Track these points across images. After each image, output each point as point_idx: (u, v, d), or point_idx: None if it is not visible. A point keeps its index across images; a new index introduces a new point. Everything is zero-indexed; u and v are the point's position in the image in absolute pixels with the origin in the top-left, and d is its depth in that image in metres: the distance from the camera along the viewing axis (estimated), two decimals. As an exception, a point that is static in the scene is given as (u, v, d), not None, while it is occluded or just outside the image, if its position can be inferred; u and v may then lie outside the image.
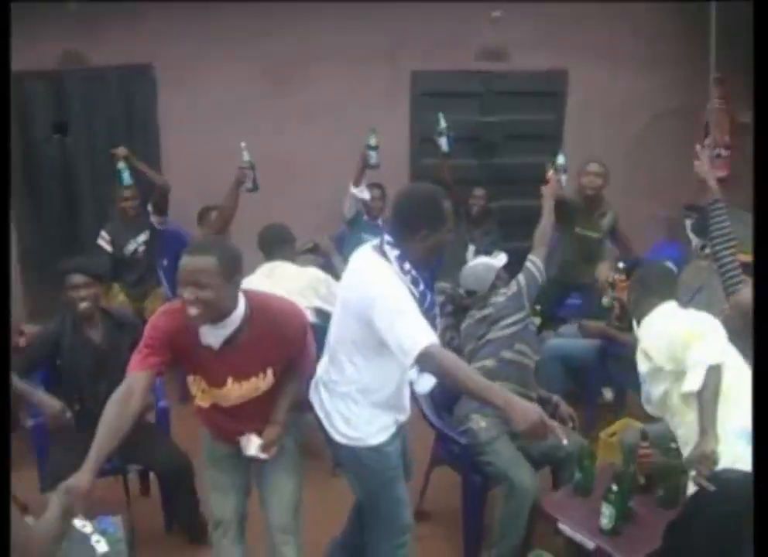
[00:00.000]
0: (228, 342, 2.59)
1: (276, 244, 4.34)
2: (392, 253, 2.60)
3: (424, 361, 2.37)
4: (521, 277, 3.74)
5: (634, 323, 3.15)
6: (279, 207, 5.41)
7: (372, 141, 5.45)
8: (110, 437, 2.40)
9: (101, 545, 2.90)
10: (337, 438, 2.78)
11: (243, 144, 4.80)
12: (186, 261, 2.44)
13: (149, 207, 5.40)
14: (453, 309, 5.36)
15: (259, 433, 2.80)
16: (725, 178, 6.12)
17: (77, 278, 3.55)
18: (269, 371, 2.71)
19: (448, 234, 2.70)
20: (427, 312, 2.64)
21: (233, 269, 2.50)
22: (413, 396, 3.58)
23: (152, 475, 3.88)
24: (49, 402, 3.41)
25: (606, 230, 5.20)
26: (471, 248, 5.82)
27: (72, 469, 2.62)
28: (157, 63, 6.06)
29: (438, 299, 5.42)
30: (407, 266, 2.60)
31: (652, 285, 3.09)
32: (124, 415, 2.44)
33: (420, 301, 2.60)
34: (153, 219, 5.41)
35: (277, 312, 2.70)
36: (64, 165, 6.32)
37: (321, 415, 2.82)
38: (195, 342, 2.59)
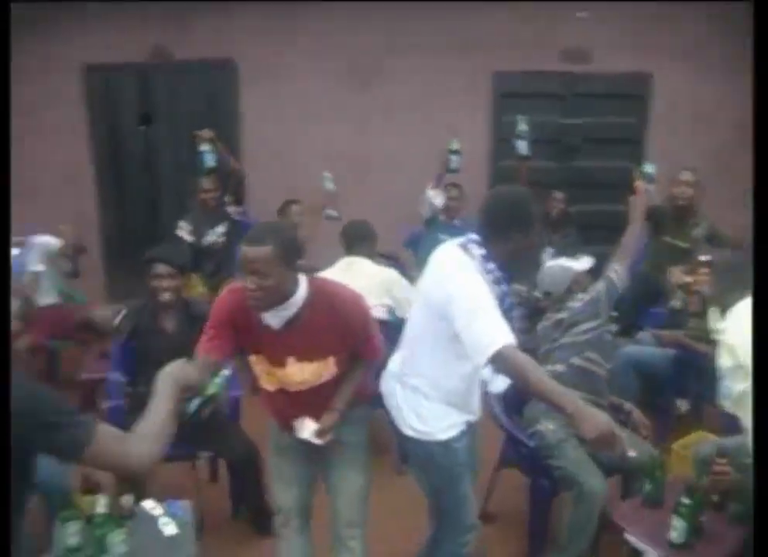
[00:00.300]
0: (289, 323, 2.59)
1: (358, 240, 4.36)
2: (477, 251, 2.61)
3: (498, 361, 2.36)
4: (600, 284, 3.65)
5: (711, 316, 3.01)
6: (356, 202, 5.43)
7: (454, 146, 5.43)
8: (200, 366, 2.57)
9: (169, 528, 2.97)
10: (407, 431, 2.79)
11: (327, 173, 4.81)
12: (246, 250, 2.44)
13: (227, 198, 5.47)
14: (527, 312, 5.33)
15: (318, 420, 2.80)
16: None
17: (161, 269, 3.63)
18: (331, 359, 2.70)
19: (534, 238, 2.70)
20: (506, 313, 2.61)
21: (291, 255, 2.49)
22: (483, 397, 3.57)
23: (221, 462, 3.94)
24: None
25: (699, 241, 5.05)
26: (549, 251, 5.73)
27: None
28: (240, 58, 6.16)
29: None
30: (491, 266, 2.60)
31: (741, 274, 2.93)
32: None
33: (501, 301, 2.59)
34: (231, 209, 5.49)
35: (337, 298, 2.68)
36: (147, 156, 6.49)
37: (392, 407, 2.84)
38: (256, 321, 2.61)
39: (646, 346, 4.82)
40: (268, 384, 2.79)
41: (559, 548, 3.35)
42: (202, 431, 3.44)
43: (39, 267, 4.98)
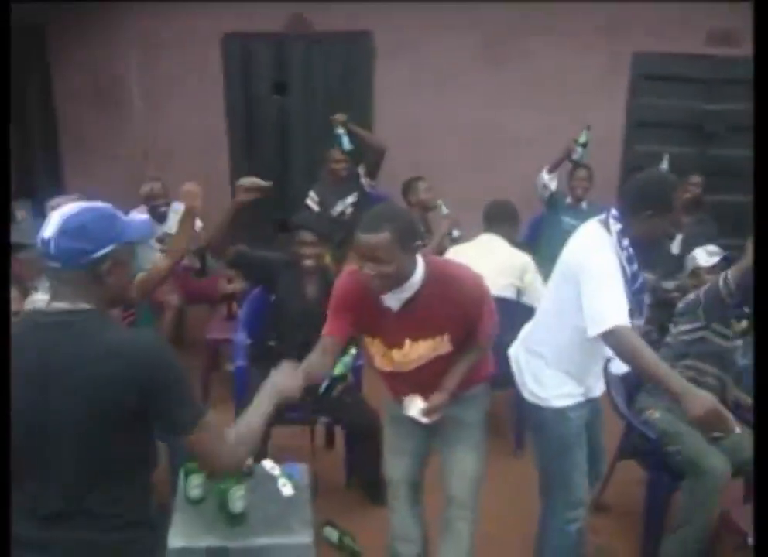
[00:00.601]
0: (407, 304, 2.62)
1: (498, 219, 4.39)
2: (615, 227, 2.67)
3: (611, 338, 2.45)
4: (703, 289, 3.50)
5: None
6: (485, 179, 5.39)
7: (582, 139, 5.32)
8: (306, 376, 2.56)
9: (287, 489, 3.08)
10: (526, 395, 2.92)
11: (440, 201, 4.80)
12: (362, 238, 2.45)
13: (360, 169, 5.51)
14: (653, 301, 5.18)
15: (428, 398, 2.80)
16: None
17: (306, 236, 3.75)
18: (446, 336, 2.70)
19: (672, 223, 2.75)
20: (636, 294, 2.70)
21: (408, 238, 2.49)
22: (608, 389, 3.52)
23: (337, 430, 4.00)
24: None
25: None
26: (679, 237, 5.49)
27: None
28: (377, 31, 6.17)
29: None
30: (625, 242, 2.65)
31: None
32: (317, 365, 2.65)
33: (631, 280, 2.65)
34: (364, 181, 5.53)
35: (452, 276, 2.69)
36: (281, 125, 6.61)
37: (515, 372, 2.97)
38: (375, 303, 2.65)
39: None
40: (382, 365, 2.83)
41: (674, 529, 3.28)
42: (325, 398, 3.52)
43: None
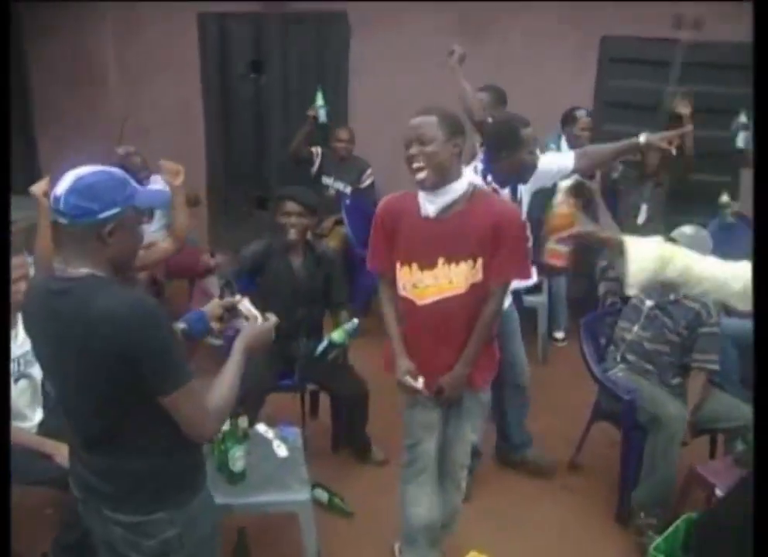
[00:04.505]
0: (444, 212, 2.71)
1: None
2: (479, 167, 3.42)
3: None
4: None
5: None
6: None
7: (319, 101, 5.69)
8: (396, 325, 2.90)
9: (281, 450, 3.23)
10: None
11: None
12: (412, 122, 2.68)
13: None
14: (616, 274, 5.38)
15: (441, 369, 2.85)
16: None
17: (291, 206, 3.76)
18: (479, 262, 2.71)
19: (528, 156, 3.31)
20: None
21: (454, 128, 2.67)
22: (582, 350, 3.73)
23: (323, 398, 4.13)
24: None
25: None
26: (644, 207, 5.56)
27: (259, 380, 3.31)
28: (353, 10, 6.25)
29: (601, 264, 5.44)
30: (489, 178, 3.38)
31: None
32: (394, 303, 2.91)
33: None
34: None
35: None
36: (257, 104, 6.68)
37: None
38: (414, 214, 2.76)
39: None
40: (412, 296, 2.82)
41: (642, 479, 3.49)
42: (316, 367, 3.65)
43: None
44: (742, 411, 3.44)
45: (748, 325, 4.50)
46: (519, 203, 3.47)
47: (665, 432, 3.37)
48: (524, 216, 3.36)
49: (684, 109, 5.16)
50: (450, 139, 2.64)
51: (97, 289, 1.82)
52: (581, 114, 5.41)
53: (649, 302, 3.71)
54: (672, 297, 3.62)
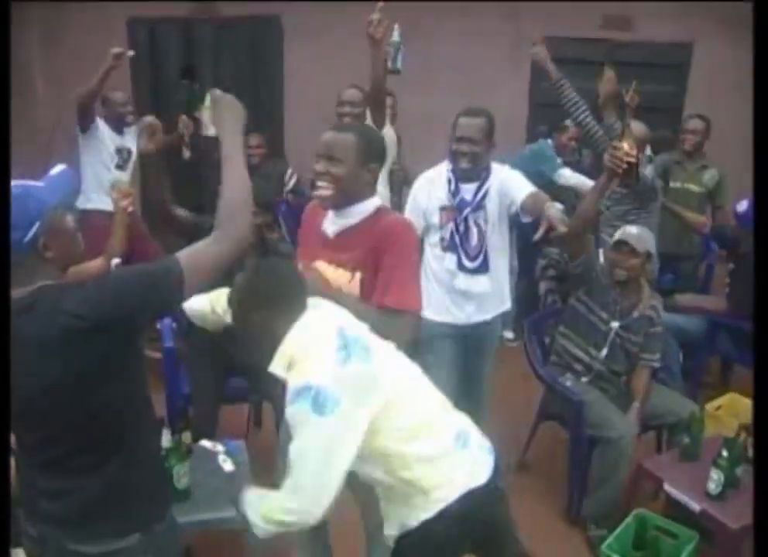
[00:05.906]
0: (343, 233, 2.48)
1: None
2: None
3: None
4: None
5: None
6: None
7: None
8: None
9: (227, 464, 3.15)
10: None
11: None
12: (325, 136, 2.38)
13: None
14: (556, 274, 5.45)
15: None
16: None
17: None
18: (358, 275, 2.43)
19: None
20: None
21: (371, 153, 2.40)
22: (527, 351, 3.73)
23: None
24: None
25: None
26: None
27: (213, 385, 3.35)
28: (285, 15, 6.20)
29: (541, 263, 5.50)
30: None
31: None
32: None
33: None
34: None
35: (385, 220, 2.47)
36: (190, 111, 6.55)
37: None
38: (317, 227, 2.56)
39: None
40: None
41: (590, 493, 3.49)
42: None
43: None
44: (684, 404, 3.48)
45: (689, 319, 4.67)
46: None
47: (615, 449, 3.34)
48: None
49: (632, 102, 5.22)
50: (365, 164, 2.39)
51: (57, 295, 1.72)
52: (570, 123, 5.50)
53: (614, 324, 3.57)
54: (635, 314, 3.58)
